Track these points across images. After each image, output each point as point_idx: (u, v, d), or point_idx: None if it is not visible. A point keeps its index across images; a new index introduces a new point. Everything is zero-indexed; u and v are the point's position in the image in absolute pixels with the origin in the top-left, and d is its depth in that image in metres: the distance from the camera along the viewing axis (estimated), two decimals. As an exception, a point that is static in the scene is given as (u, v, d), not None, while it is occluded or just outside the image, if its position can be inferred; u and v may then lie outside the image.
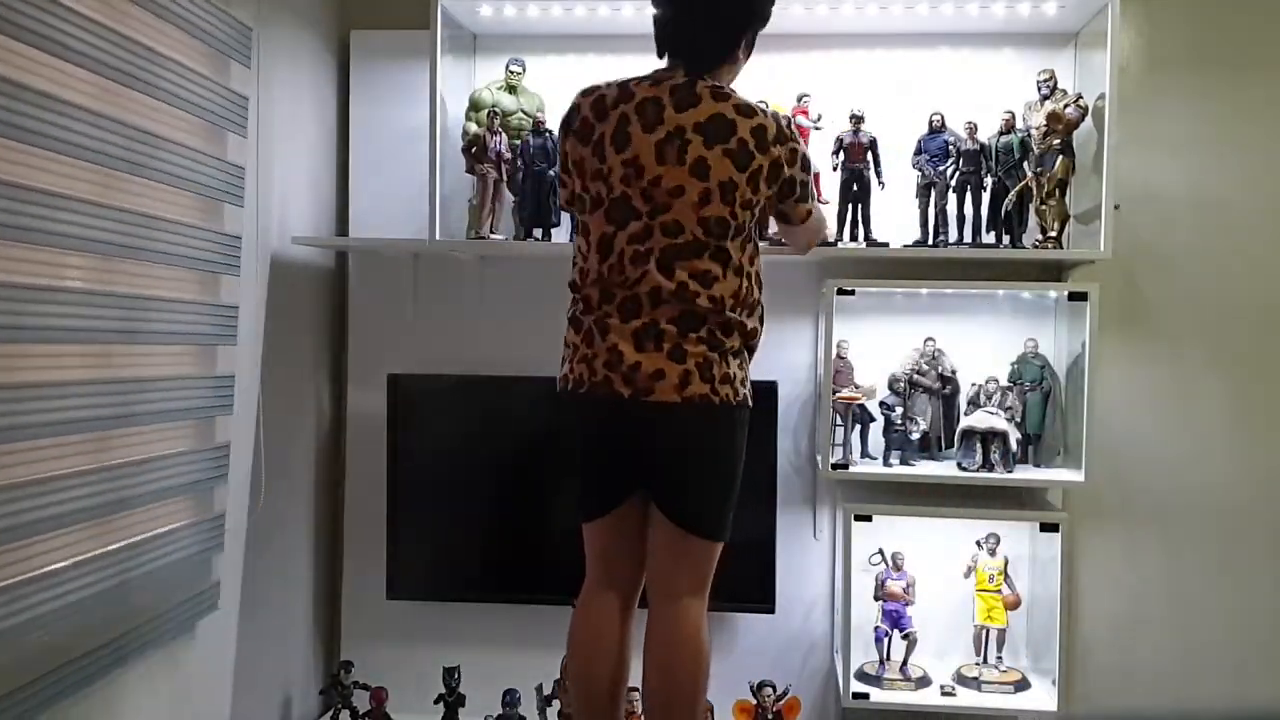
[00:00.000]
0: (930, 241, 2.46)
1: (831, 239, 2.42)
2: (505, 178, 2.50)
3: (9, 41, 1.54)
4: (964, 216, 2.48)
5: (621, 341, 1.88)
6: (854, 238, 2.48)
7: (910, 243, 2.48)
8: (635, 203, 1.88)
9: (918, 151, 2.47)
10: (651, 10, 1.99)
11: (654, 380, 1.85)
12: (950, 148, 2.45)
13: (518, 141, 2.51)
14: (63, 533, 1.70)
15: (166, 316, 1.97)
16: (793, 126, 1.97)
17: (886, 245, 2.48)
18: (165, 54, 1.91)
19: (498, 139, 2.48)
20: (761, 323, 1.99)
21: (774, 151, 1.90)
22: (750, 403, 1.96)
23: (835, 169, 2.48)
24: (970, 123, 2.46)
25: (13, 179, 1.55)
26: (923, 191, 2.47)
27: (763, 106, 1.94)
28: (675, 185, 1.86)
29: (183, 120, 2.00)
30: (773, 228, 2.27)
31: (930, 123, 2.47)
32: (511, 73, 2.54)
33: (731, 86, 1.96)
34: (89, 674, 1.77)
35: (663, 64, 1.98)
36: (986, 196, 2.47)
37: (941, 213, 2.46)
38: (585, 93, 1.97)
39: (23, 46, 1.56)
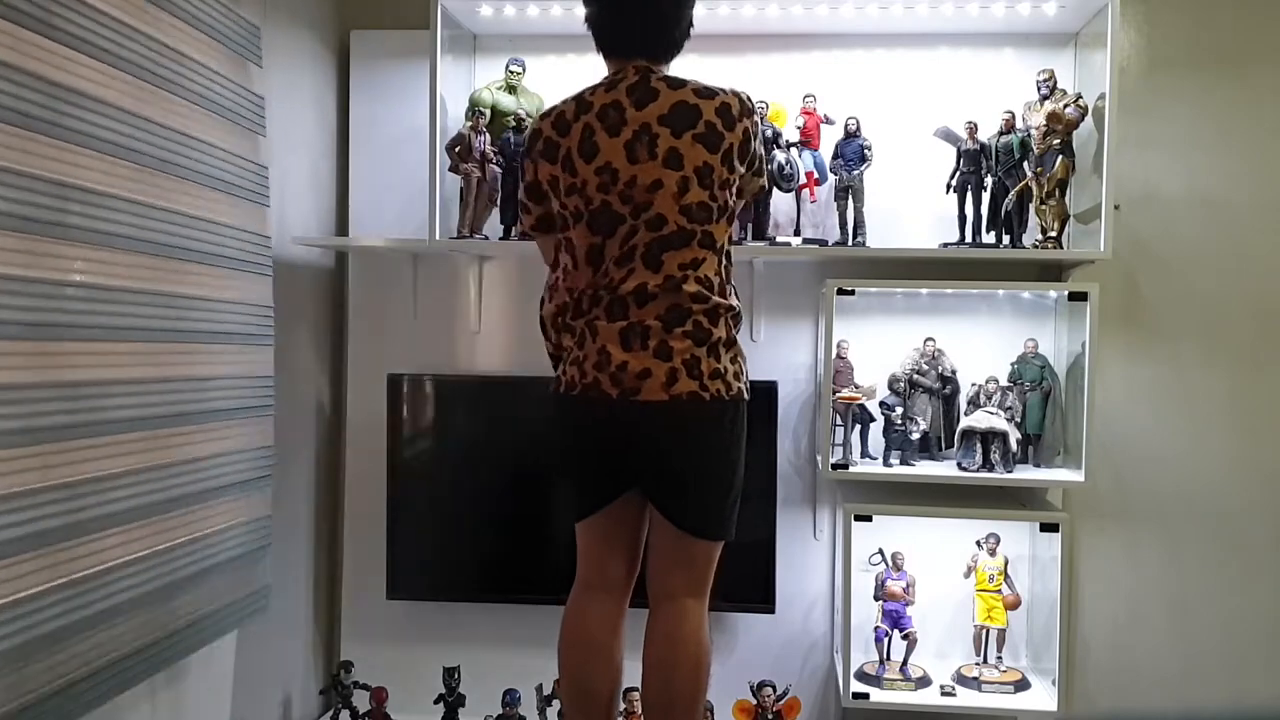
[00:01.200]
0: (849, 243, 2.48)
1: None
2: (487, 176, 2.50)
3: (76, 55, 1.59)
4: (964, 216, 2.48)
5: (609, 342, 1.88)
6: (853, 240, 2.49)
7: (832, 244, 2.52)
8: (617, 208, 1.87)
9: (835, 156, 2.50)
10: (584, 11, 1.96)
11: (640, 380, 1.85)
12: (865, 152, 2.48)
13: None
14: (117, 531, 1.72)
15: (220, 316, 2.00)
16: (752, 100, 1.95)
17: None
18: (196, 58, 1.95)
19: (482, 138, 2.48)
20: (737, 296, 1.97)
21: (741, 125, 1.90)
22: (746, 395, 1.95)
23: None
24: (971, 122, 2.46)
25: (69, 179, 1.58)
26: (841, 195, 2.49)
27: (721, 87, 1.92)
28: (652, 180, 1.85)
29: (218, 123, 2.03)
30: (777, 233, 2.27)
31: (845, 128, 2.49)
32: (511, 73, 2.54)
33: (679, 74, 1.95)
34: (135, 674, 1.79)
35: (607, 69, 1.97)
36: (986, 196, 2.47)
37: (859, 214, 2.48)
38: (543, 116, 1.97)
39: (88, 59, 1.61)
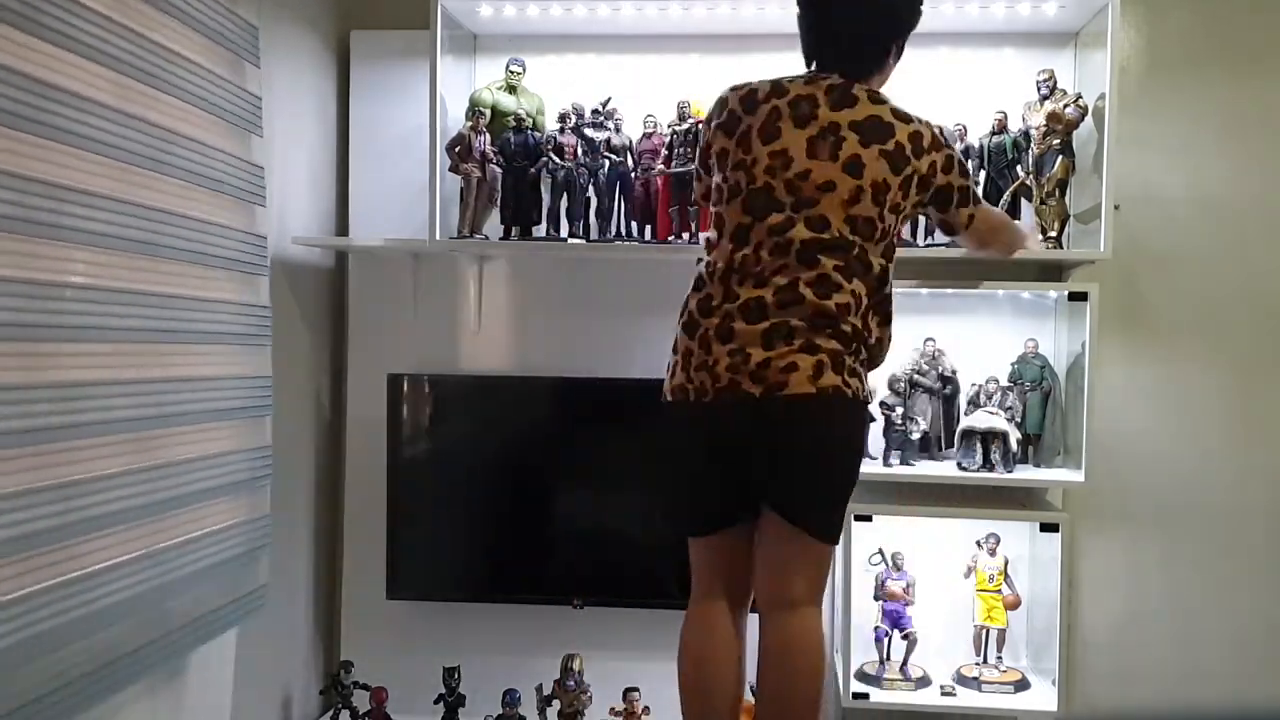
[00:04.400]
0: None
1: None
2: (487, 176, 2.50)
3: (61, 52, 1.57)
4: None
5: (749, 344, 1.83)
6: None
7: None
8: (779, 194, 1.85)
9: None
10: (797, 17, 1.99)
11: (787, 373, 1.80)
12: None
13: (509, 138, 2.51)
14: (110, 532, 1.71)
15: (210, 316, 1.99)
16: (945, 134, 1.96)
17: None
18: (190, 57, 1.94)
19: (482, 138, 2.48)
20: (890, 335, 1.95)
21: (928, 158, 1.90)
22: (868, 412, 1.97)
23: None
24: (959, 125, 2.46)
25: (58, 180, 1.57)
26: None
27: (918, 115, 1.93)
28: (825, 180, 1.83)
29: (212, 121, 2.02)
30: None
31: None
32: (511, 73, 2.54)
33: (884, 92, 1.96)
34: (130, 674, 1.78)
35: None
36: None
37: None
38: (734, 88, 1.96)
39: (75, 57, 1.60)
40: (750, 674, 1.99)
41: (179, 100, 1.91)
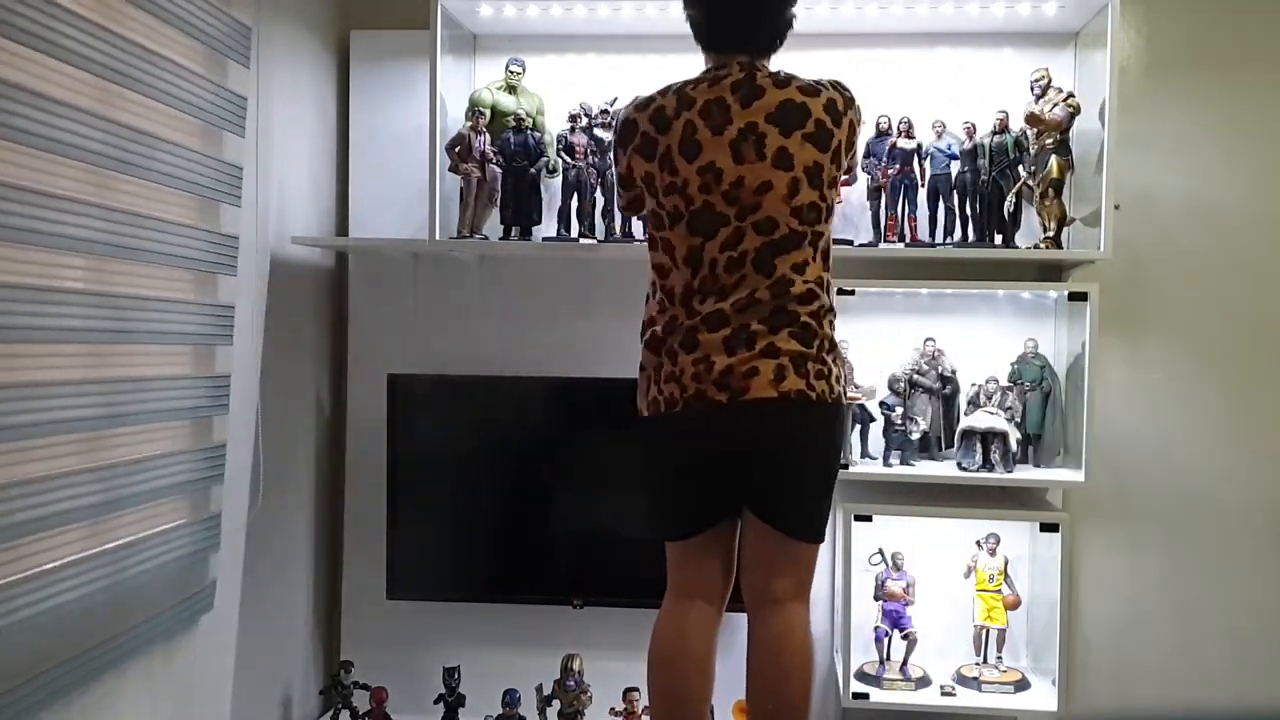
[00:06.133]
0: (880, 243, 2.49)
1: None
2: (487, 176, 2.50)
3: (4, 42, 1.53)
4: (966, 217, 2.48)
5: (712, 352, 1.83)
6: (901, 238, 2.48)
7: (864, 243, 2.51)
8: (720, 209, 1.83)
9: (866, 155, 2.48)
10: (683, 10, 1.96)
11: (748, 379, 1.81)
12: (895, 150, 2.47)
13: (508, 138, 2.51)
14: (57, 533, 1.70)
15: (162, 316, 1.96)
16: (850, 90, 1.94)
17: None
18: (162, 54, 1.91)
19: (482, 138, 2.48)
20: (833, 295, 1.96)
21: (846, 119, 1.89)
22: (845, 400, 1.94)
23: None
24: (968, 123, 2.46)
25: (7, 179, 1.55)
26: (873, 195, 2.49)
27: (822, 81, 1.91)
28: (761, 182, 1.82)
29: (178, 120, 2.00)
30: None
31: (877, 126, 2.48)
32: (511, 73, 2.54)
33: (783, 69, 1.94)
34: (84, 675, 1.77)
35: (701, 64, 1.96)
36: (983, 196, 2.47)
37: (889, 214, 2.48)
38: (639, 106, 1.92)
39: (18, 47, 1.56)
40: (739, 673, 1.99)
41: (151, 100, 1.89)
